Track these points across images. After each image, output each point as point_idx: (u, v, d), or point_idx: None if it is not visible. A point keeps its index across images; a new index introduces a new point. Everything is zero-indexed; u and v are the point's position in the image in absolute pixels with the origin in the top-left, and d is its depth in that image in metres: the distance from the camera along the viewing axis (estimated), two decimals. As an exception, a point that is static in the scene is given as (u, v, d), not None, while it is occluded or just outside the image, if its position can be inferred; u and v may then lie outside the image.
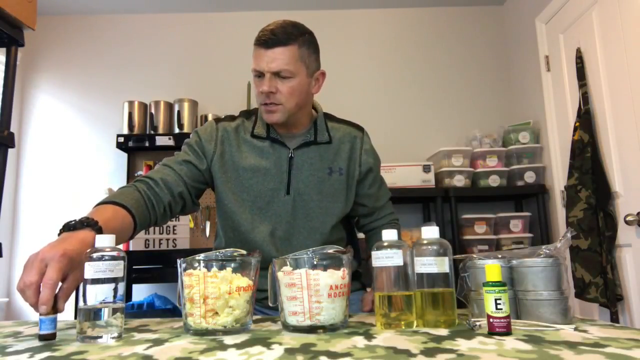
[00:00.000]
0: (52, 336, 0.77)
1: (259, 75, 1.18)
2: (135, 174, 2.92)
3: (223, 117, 1.33)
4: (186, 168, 1.23)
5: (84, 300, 0.78)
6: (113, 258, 0.79)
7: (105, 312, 0.78)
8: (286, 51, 1.15)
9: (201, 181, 1.26)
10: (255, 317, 0.99)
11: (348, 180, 1.30)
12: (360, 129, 1.36)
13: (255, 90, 1.21)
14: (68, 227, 0.90)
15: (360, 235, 1.47)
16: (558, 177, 2.56)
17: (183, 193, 1.21)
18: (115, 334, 0.78)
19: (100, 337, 0.76)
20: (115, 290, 0.79)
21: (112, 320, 0.78)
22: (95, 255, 0.79)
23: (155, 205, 1.15)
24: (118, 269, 0.79)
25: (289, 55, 1.16)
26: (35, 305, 0.78)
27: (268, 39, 1.15)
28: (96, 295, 0.78)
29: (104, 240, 0.81)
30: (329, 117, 1.35)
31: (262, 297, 1.18)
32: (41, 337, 0.77)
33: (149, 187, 1.16)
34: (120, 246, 0.84)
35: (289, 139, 1.27)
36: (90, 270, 0.78)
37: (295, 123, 1.26)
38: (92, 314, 0.77)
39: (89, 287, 0.78)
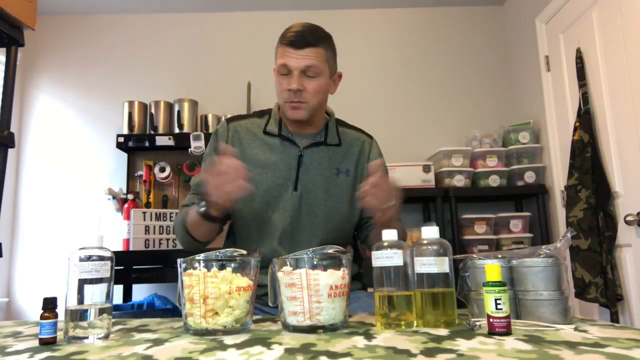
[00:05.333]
0: (52, 340, 0.77)
1: (286, 72, 1.23)
2: (135, 174, 2.92)
3: (235, 115, 1.40)
4: None
5: (71, 301, 0.78)
6: (100, 258, 0.80)
7: (92, 313, 0.78)
8: (315, 51, 1.22)
9: None
10: (255, 317, 1.00)
11: (355, 183, 1.33)
12: (370, 136, 1.42)
13: (279, 88, 1.26)
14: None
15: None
16: (558, 177, 2.56)
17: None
18: (102, 335, 0.78)
19: (87, 337, 0.76)
20: (103, 290, 0.80)
21: (98, 321, 0.78)
22: (82, 255, 0.79)
23: None
24: (105, 269, 0.80)
25: (318, 55, 1.22)
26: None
27: (298, 40, 1.21)
28: (83, 295, 0.78)
29: (92, 240, 0.81)
30: (340, 122, 1.41)
31: (261, 292, 1.18)
32: (41, 342, 0.77)
33: None
34: (109, 247, 0.84)
35: (300, 138, 1.32)
36: (77, 271, 0.78)
37: (311, 122, 1.31)
38: (79, 315, 0.77)
39: (76, 287, 0.78)
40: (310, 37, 1.21)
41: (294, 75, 1.21)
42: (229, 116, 2.89)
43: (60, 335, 0.80)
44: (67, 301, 0.79)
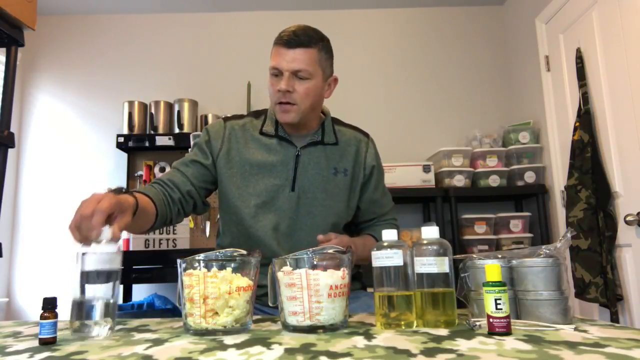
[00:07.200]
0: (52, 340, 0.77)
1: (277, 74, 1.22)
2: (135, 174, 2.92)
3: (231, 115, 1.37)
4: (192, 168, 1.28)
5: (77, 294, 0.79)
6: (107, 253, 0.80)
7: (98, 306, 0.78)
8: (307, 53, 1.20)
9: (208, 180, 1.30)
10: (255, 317, 1.00)
11: (352, 182, 1.33)
12: (366, 134, 1.41)
13: (271, 89, 1.25)
14: (110, 191, 0.98)
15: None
16: (558, 177, 2.56)
17: (191, 192, 1.26)
18: (107, 327, 0.78)
19: (92, 330, 0.77)
20: (109, 284, 0.80)
21: (104, 314, 0.78)
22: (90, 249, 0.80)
23: (170, 203, 1.21)
24: (117, 261, 0.81)
25: (309, 57, 1.20)
26: (87, 240, 0.83)
27: (290, 39, 1.19)
28: (89, 288, 0.78)
29: (102, 233, 0.82)
30: (336, 121, 1.39)
31: (261, 293, 1.18)
32: (41, 342, 0.77)
33: (161, 187, 1.22)
34: (121, 242, 0.85)
35: (297, 138, 1.31)
36: (82, 264, 0.79)
37: (305, 124, 1.30)
38: (85, 308, 0.78)
39: (82, 280, 0.78)
40: (303, 37, 1.20)
41: (284, 76, 1.19)
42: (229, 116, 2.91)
43: (63, 328, 0.80)
44: (72, 294, 0.79)
